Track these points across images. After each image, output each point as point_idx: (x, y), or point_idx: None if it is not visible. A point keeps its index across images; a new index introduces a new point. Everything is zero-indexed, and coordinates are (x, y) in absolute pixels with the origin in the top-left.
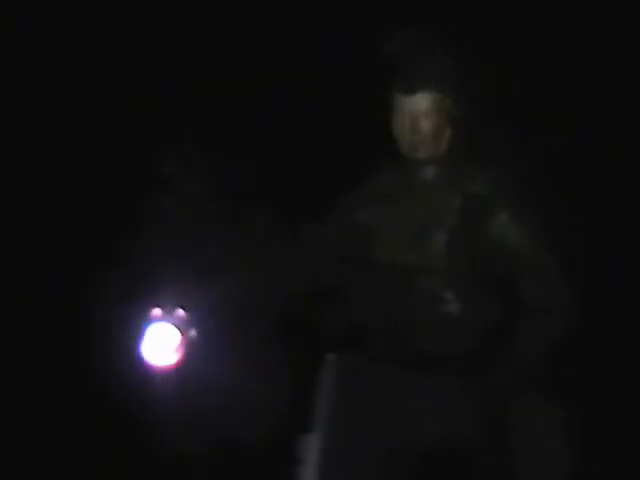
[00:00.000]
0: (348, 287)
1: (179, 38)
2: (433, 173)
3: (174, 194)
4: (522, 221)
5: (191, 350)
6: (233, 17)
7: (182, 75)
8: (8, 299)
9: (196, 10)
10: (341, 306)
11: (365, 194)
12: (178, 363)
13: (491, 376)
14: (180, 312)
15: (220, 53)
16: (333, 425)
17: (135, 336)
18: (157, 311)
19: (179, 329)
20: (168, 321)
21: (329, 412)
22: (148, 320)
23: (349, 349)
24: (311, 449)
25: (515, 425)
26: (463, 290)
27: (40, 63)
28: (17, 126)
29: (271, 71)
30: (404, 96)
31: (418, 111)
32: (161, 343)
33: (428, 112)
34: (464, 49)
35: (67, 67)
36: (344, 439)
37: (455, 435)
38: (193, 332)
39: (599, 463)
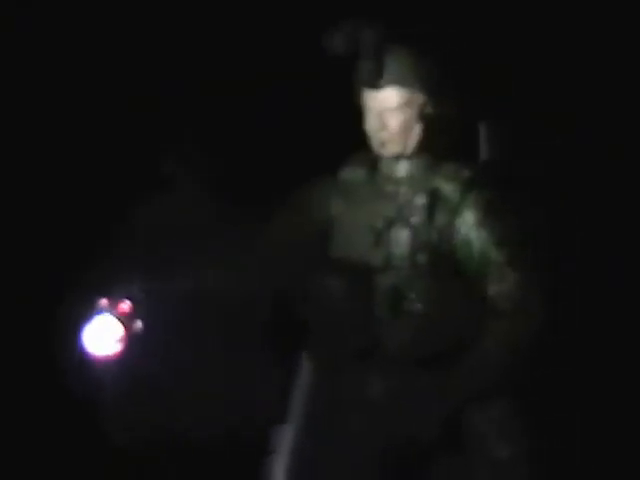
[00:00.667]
0: (308, 284)
1: (178, 38)
2: (401, 170)
3: (173, 194)
4: (490, 223)
5: (135, 342)
6: (229, 17)
7: (182, 75)
8: None
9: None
10: (301, 305)
11: (332, 187)
12: (119, 355)
13: (453, 378)
14: (126, 304)
15: (219, 53)
16: (304, 420)
17: (79, 325)
18: (103, 301)
19: (122, 321)
20: (111, 313)
21: (301, 407)
22: (92, 310)
23: (319, 347)
24: (283, 441)
25: (472, 430)
26: (427, 291)
27: (39, 63)
28: (16, 127)
29: (270, 71)
30: (370, 91)
31: (385, 107)
32: (102, 334)
33: (396, 108)
34: (445, 44)
35: (67, 67)
36: (313, 435)
37: (417, 435)
38: (139, 325)
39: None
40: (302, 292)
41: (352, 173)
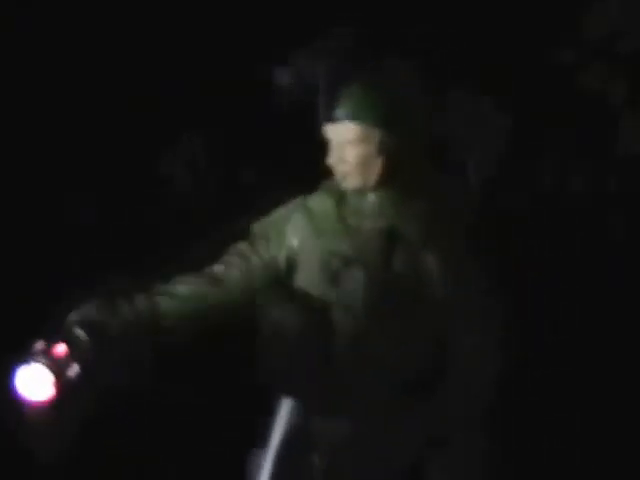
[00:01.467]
0: (262, 317)
1: (176, 39)
2: (364, 204)
3: (172, 194)
4: (450, 266)
5: (70, 387)
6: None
7: (181, 75)
8: None
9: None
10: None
11: (298, 215)
12: (51, 400)
13: (412, 426)
14: (61, 347)
15: (217, 53)
16: (280, 449)
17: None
18: (38, 345)
19: (55, 366)
20: (44, 357)
21: (279, 436)
22: (26, 355)
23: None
24: (258, 465)
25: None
26: (383, 332)
27: (40, 62)
28: (16, 125)
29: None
30: (330, 125)
31: (342, 140)
32: (34, 380)
33: (352, 142)
34: (401, 79)
35: (67, 67)
36: (282, 469)
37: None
38: (75, 369)
39: None
40: (257, 325)
41: (319, 202)
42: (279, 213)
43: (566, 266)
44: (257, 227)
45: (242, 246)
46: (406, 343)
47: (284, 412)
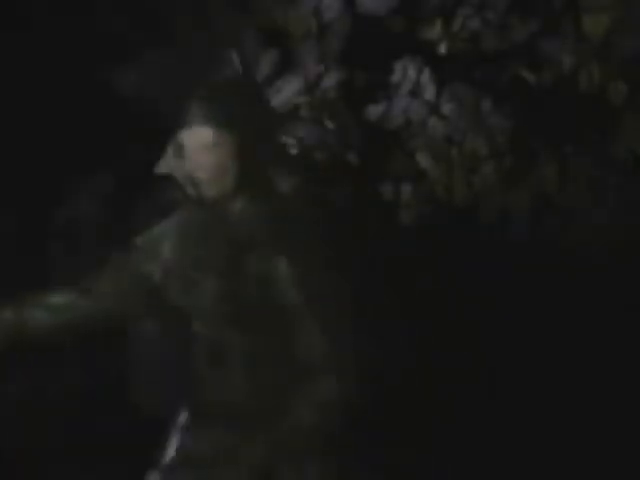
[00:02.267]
0: (130, 330)
1: None
2: (217, 212)
3: None
4: (305, 277)
5: None
6: None
7: None
8: None
9: None
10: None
11: (168, 230)
12: None
13: (265, 440)
14: None
15: None
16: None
17: None
18: None
19: None
20: None
21: (168, 457)
22: None
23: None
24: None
25: None
26: (239, 344)
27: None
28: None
29: None
30: (185, 130)
31: (198, 146)
32: None
33: (208, 147)
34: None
35: None
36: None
37: None
38: None
39: None
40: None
41: (186, 215)
42: (160, 226)
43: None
44: (138, 240)
45: (118, 259)
46: (263, 354)
47: (173, 431)
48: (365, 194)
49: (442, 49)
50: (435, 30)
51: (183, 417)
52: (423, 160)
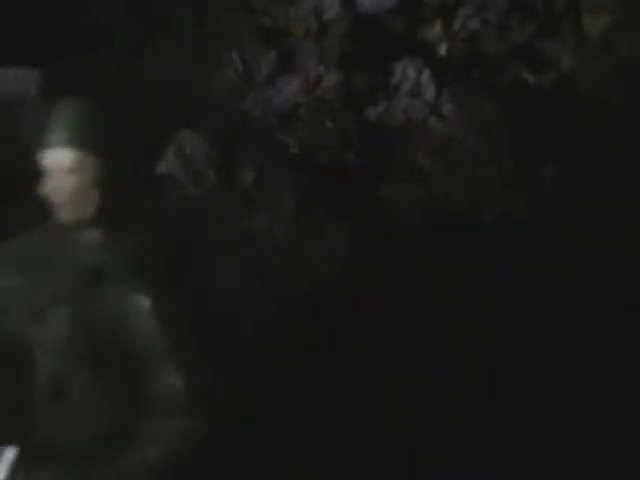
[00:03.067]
0: None
1: None
2: (73, 239)
3: None
4: (159, 312)
5: None
6: None
7: None
8: None
9: None
10: None
11: (7, 256)
12: None
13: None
14: None
15: None
16: None
17: None
18: None
19: None
20: None
21: None
22: None
23: None
24: None
25: None
26: (88, 374)
27: None
28: None
29: None
30: (46, 151)
31: (59, 168)
32: None
33: (67, 170)
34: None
35: None
36: None
37: None
38: None
39: None
40: None
41: (38, 237)
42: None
43: None
44: None
45: None
46: (110, 388)
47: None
48: (365, 194)
49: (442, 49)
50: (435, 30)
51: (10, 455)
52: (423, 160)
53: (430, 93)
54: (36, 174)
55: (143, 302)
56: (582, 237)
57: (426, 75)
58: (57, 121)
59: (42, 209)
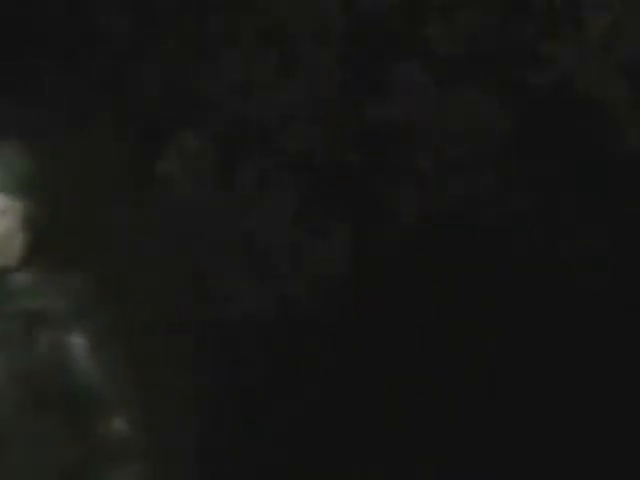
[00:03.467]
0: None
1: None
2: (4, 284)
3: None
4: (94, 352)
5: None
6: None
7: None
8: None
9: None
10: None
11: None
12: None
13: None
14: None
15: None
16: None
17: None
18: None
19: None
20: None
21: None
22: None
23: None
24: None
25: None
26: (28, 421)
27: None
28: None
29: None
30: None
31: None
32: None
33: None
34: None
35: None
36: None
37: None
38: None
39: None
40: None
41: None
42: None
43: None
44: None
45: None
46: (52, 436)
47: None
48: (365, 194)
49: (442, 49)
50: (435, 30)
51: None
52: (423, 160)
53: (430, 93)
54: None
55: (84, 344)
56: (582, 237)
57: (426, 75)
58: None
59: None
